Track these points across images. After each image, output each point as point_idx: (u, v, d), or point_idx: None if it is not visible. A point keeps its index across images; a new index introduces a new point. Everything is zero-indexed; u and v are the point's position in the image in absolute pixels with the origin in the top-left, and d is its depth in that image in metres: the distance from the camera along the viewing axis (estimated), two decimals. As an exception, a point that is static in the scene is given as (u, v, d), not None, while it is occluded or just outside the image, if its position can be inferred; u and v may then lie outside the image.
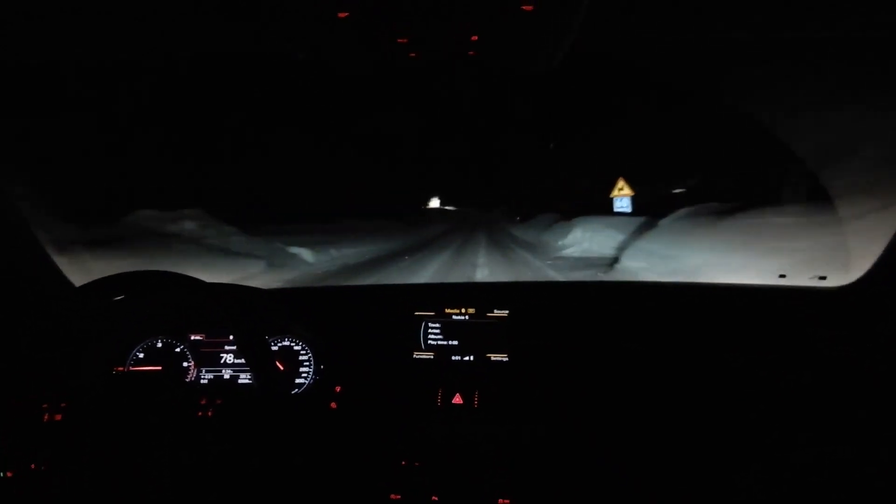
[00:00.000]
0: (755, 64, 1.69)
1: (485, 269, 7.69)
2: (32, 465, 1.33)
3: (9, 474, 1.29)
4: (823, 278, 1.91)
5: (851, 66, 1.46)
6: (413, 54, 1.41)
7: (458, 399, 1.73)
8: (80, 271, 1.71)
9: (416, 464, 1.61)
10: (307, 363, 1.80)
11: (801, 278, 1.99)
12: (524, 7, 1.15)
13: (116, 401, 1.55)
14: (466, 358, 1.82)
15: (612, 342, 1.80)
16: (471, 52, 1.39)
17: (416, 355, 1.83)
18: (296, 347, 1.82)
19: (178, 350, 1.80)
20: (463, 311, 1.86)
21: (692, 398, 1.69)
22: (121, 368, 1.76)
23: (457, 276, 7.24)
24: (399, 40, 1.34)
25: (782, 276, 2.09)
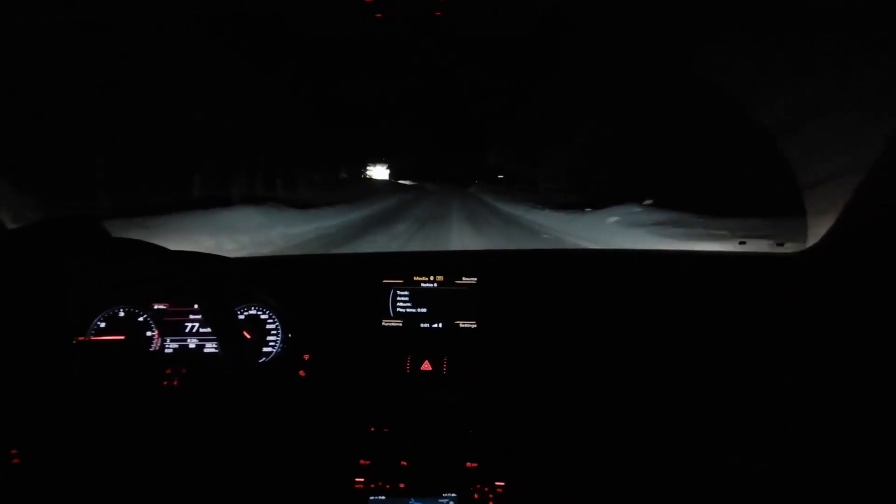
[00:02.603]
0: (718, 31, 1.70)
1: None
2: (13, 451, 1.30)
3: None
4: (781, 244, 1.97)
5: (811, 32, 1.48)
6: (379, 15, 1.38)
7: (426, 366, 1.74)
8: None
9: (385, 430, 1.63)
10: (275, 332, 1.79)
11: (760, 244, 2.05)
12: None
13: (78, 371, 1.52)
14: (435, 325, 1.83)
15: (579, 309, 1.82)
16: (437, 13, 1.36)
17: (385, 323, 1.83)
18: (263, 316, 1.80)
19: (140, 319, 1.77)
20: (431, 278, 1.86)
21: (657, 363, 1.73)
22: (82, 338, 1.72)
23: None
24: (366, 0, 1.31)
25: (742, 242, 2.15)
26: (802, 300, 1.75)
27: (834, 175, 1.66)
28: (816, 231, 1.77)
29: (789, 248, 1.93)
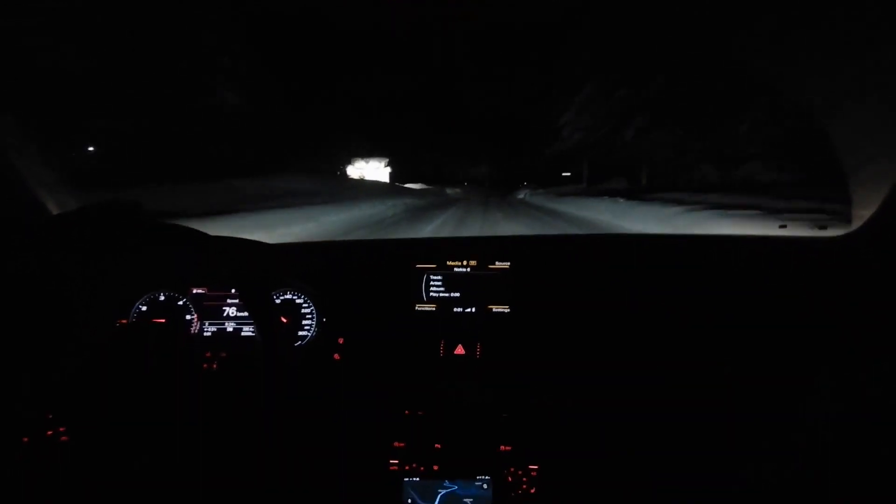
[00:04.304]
0: (758, 11, 1.65)
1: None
2: (49, 433, 1.35)
3: (24, 440, 1.31)
4: (824, 227, 1.91)
5: (853, 9, 1.42)
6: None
7: (459, 350, 1.75)
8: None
9: (420, 413, 1.64)
10: (310, 316, 1.81)
11: (802, 228, 1.99)
12: None
13: (121, 353, 1.56)
14: (468, 310, 1.83)
15: (613, 293, 1.80)
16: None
17: (418, 307, 1.84)
18: (298, 301, 1.82)
19: (180, 303, 1.81)
20: (464, 263, 1.86)
21: (693, 347, 1.71)
22: (124, 321, 1.77)
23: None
24: None
25: (783, 226, 2.09)
26: (846, 286, 1.70)
27: (879, 155, 1.61)
28: (861, 214, 1.71)
29: (832, 231, 1.87)
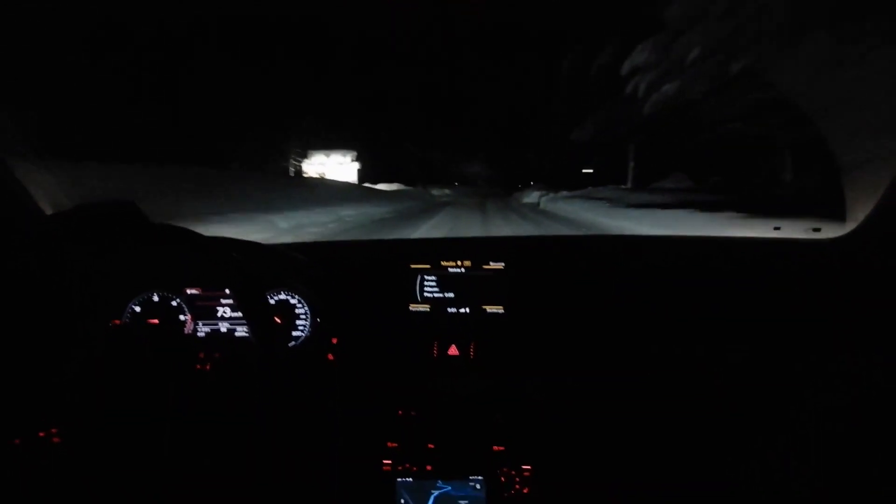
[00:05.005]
0: (756, 14, 1.65)
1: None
2: (41, 434, 1.34)
3: (16, 441, 1.31)
4: (818, 230, 1.91)
5: (850, 10, 1.43)
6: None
7: (453, 350, 1.75)
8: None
9: (413, 413, 1.64)
10: (303, 316, 1.81)
11: (796, 230, 1.99)
12: None
13: (115, 354, 1.56)
14: (462, 310, 1.83)
15: (608, 294, 1.81)
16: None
17: (412, 308, 1.84)
18: (292, 301, 1.82)
19: (174, 304, 1.80)
20: (459, 263, 1.86)
21: (686, 348, 1.71)
22: (118, 322, 1.76)
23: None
24: None
25: (777, 228, 2.09)
26: (841, 288, 1.70)
27: (873, 158, 1.61)
28: (855, 216, 1.71)
29: (826, 233, 1.87)
